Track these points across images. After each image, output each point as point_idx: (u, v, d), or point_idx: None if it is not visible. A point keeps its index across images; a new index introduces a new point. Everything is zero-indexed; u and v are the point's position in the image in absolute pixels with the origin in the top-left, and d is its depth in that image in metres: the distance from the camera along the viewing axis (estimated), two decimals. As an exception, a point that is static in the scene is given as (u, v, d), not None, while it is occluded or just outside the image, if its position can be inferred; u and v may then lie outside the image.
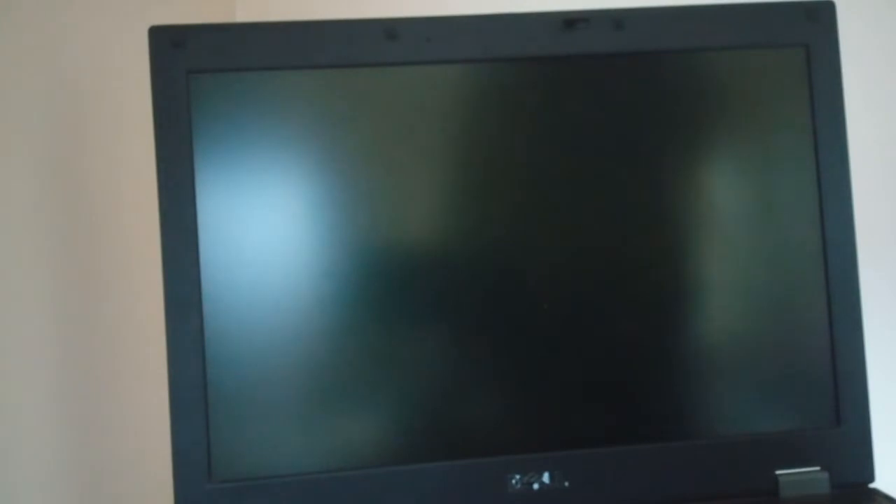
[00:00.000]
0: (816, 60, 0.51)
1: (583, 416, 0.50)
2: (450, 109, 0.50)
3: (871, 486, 0.50)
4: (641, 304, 0.51)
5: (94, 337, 0.57)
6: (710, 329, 0.51)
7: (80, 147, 0.57)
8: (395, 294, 0.49)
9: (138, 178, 0.54)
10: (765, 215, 0.51)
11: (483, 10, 0.50)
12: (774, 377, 0.51)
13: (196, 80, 0.48)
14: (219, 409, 0.47)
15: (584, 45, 0.50)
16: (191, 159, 0.47)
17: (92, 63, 0.57)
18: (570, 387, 0.50)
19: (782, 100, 0.51)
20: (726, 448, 0.50)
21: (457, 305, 0.49)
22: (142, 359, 0.59)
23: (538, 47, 0.50)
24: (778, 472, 0.50)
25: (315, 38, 0.49)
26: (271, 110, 0.49)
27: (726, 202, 0.51)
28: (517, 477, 0.49)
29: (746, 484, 0.50)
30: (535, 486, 0.49)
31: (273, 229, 0.48)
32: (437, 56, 0.49)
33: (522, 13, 0.50)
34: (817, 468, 0.50)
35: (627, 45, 0.50)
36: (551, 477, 0.49)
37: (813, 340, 0.51)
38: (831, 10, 0.51)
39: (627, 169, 0.51)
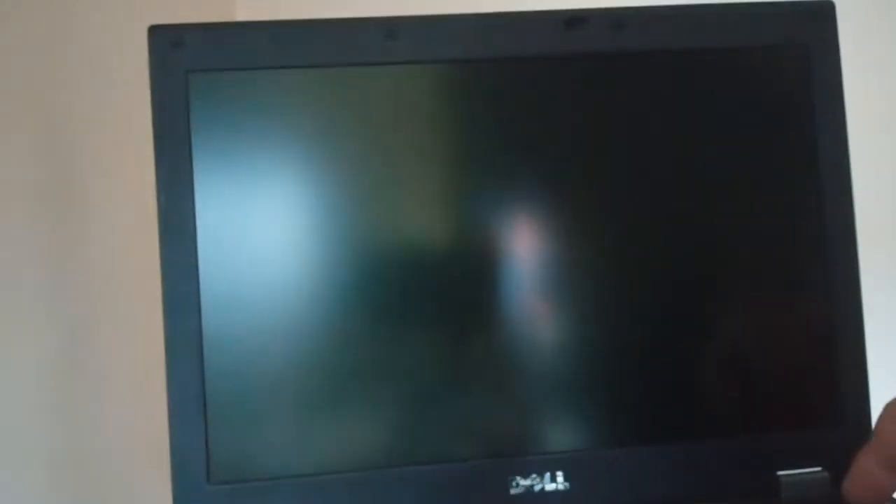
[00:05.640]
0: (816, 60, 0.51)
1: (583, 417, 0.50)
2: (450, 109, 0.50)
3: (872, 486, 0.50)
4: (641, 305, 0.51)
5: (91, 338, 0.57)
6: (710, 329, 0.51)
7: (78, 147, 0.57)
8: (395, 295, 0.49)
9: (137, 177, 0.54)
10: (764, 215, 0.51)
11: (483, 9, 0.50)
12: (775, 377, 0.51)
13: (195, 80, 0.47)
14: (217, 410, 0.47)
15: (585, 45, 0.50)
16: (190, 159, 0.47)
17: (90, 62, 0.57)
18: (569, 387, 0.50)
19: (782, 100, 0.51)
20: (726, 448, 0.50)
21: (456, 306, 0.49)
22: (140, 360, 0.58)
23: (539, 47, 0.50)
24: (779, 472, 0.50)
25: (315, 37, 0.48)
26: (271, 110, 0.48)
27: (725, 202, 0.51)
28: (517, 478, 0.49)
29: (747, 484, 0.50)
30: (536, 487, 0.49)
31: (272, 230, 0.48)
32: (438, 55, 0.49)
33: (523, 12, 0.50)
34: (818, 468, 0.50)
35: (628, 44, 0.50)
36: (552, 478, 0.49)
37: (813, 340, 0.51)
38: (831, 10, 0.51)
39: (627, 168, 0.51)
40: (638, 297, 0.50)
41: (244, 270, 0.48)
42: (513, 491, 0.49)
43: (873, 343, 0.52)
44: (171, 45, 0.47)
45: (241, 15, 0.68)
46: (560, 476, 0.49)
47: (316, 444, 0.48)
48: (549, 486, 0.49)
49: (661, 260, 0.51)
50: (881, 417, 0.37)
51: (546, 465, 0.49)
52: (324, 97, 0.49)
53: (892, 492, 0.37)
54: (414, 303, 0.49)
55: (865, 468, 0.37)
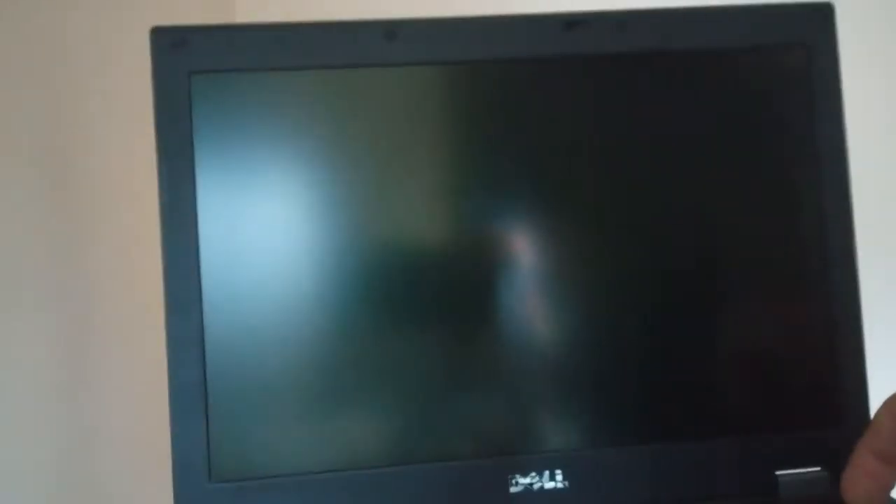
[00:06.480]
0: (816, 61, 0.51)
1: (583, 417, 0.50)
2: (450, 110, 0.51)
3: (872, 486, 0.50)
4: (641, 305, 0.51)
5: (92, 337, 0.57)
6: (710, 330, 0.51)
7: (80, 147, 0.57)
8: (396, 294, 0.49)
9: (139, 178, 0.54)
10: (763, 216, 0.51)
11: (483, 10, 0.50)
12: (774, 377, 0.51)
13: (197, 81, 0.48)
14: (219, 408, 0.47)
15: (585, 47, 0.50)
16: (191, 159, 0.48)
17: (92, 63, 0.58)
18: (569, 387, 0.50)
19: (781, 101, 0.51)
20: (726, 448, 0.50)
21: (456, 305, 0.49)
22: (141, 358, 0.59)
23: (539, 48, 0.50)
24: (778, 472, 0.50)
25: (315, 39, 0.49)
26: (272, 110, 0.49)
27: (725, 203, 0.51)
28: (517, 477, 0.49)
29: (746, 484, 0.50)
30: (535, 486, 0.49)
31: (273, 230, 0.49)
32: (437, 57, 0.49)
33: (523, 14, 0.50)
34: (818, 468, 0.50)
35: (628, 46, 0.50)
36: (551, 477, 0.49)
37: (813, 340, 0.51)
38: (830, 11, 0.51)
39: (628, 170, 0.51)
40: (638, 298, 0.51)
41: (246, 270, 0.48)
42: (512, 489, 0.49)
43: (873, 343, 0.52)
44: (173, 46, 0.48)
45: (241, 16, 0.69)
46: (559, 475, 0.49)
47: (317, 442, 0.48)
48: (549, 485, 0.49)
49: (660, 260, 0.51)
50: (879, 411, 0.37)
51: (545, 464, 0.49)
52: (324, 98, 0.49)
53: (890, 484, 0.37)
54: (415, 302, 0.49)
55: (862, 461, 0.37)
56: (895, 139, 0.69)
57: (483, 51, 0.49)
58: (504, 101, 0.50)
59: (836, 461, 0.50)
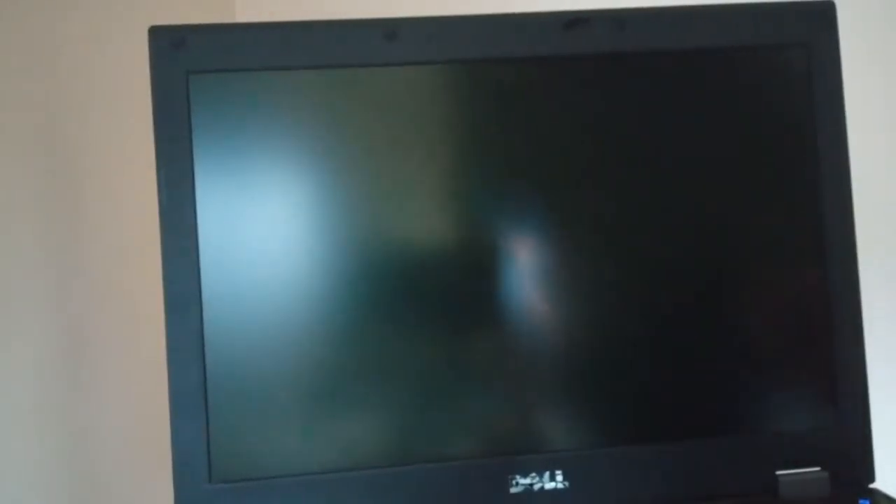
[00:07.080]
0: (817, 60, 0.51)
1: (583, 417, 0.50)
2: (449, 110, 0.51)
3: (872, 486, 0.50)
4: (642, 306, 0.51)
5: (93, 337, 0.57)
6: (711, 330, 0.51)
7: (80, 147, 0.57)
8: (395, 294, 0.49)
9: (138, 177, 0.54)
10: (763, 215, 0.51)
11: (483, 10, 0.50)
12: (775, 377, 0.51)
13: (196, 80, 0.48)
14: (219, 409, 0.47)
15: (585, 46, 0.50)
16: (190, 159, 0.48)
17: (92, 63, 0.58)
18: (569, 388, 0.50)
19: (783, 99, 0.51)
20: (726, 448, 0.50)
21: (457, 306, 0.49)
22: (141, 359, 0.59)
23: (539, 47, 0.50)
24: (778, 472, 0.50)
25: (314, 39, 0.49)
26: (270, 110, 0.49)
27: (724, 202, 0.51)
28: (517, 477, 0.49)
29: (746, 484, 0.50)
30: (535, 486, 0.49)
31: (272, 229, 0.48)
32: (437, 56, 0.49)
33: (523, 13, 0.50)
34: (817, 468, 0.50)
35: (628, 45, 0.50)
36: (551, 477, 0.49)
37: (813, 340, 0.51)
38: (831, 9, 0.51)
39: (627, 168, 0.51)
40: (638, 299, 0.50)
41: (245, 269, 0.48)
42: (513, 489, 0.49)
43: (873, 343, 0.52)
44: (171, 46, 0.47)
45: (241, 15, 0.69)
46: (559, 475, 0.49)
47: (317, 443, 0.48)
48: (549, 485, 0.49)
49: (661, 261, 0.51)
50: None
51: (546, 464, 0.49)
52: (323, 98, 0.49)
53: None
54: (414, 303, 0.49)
55: None
56: (895, 139, 0.69)
57: (483, 50, 0.49)
58: (504, 100, 0.50)
59: (836, 461, 0.50)
